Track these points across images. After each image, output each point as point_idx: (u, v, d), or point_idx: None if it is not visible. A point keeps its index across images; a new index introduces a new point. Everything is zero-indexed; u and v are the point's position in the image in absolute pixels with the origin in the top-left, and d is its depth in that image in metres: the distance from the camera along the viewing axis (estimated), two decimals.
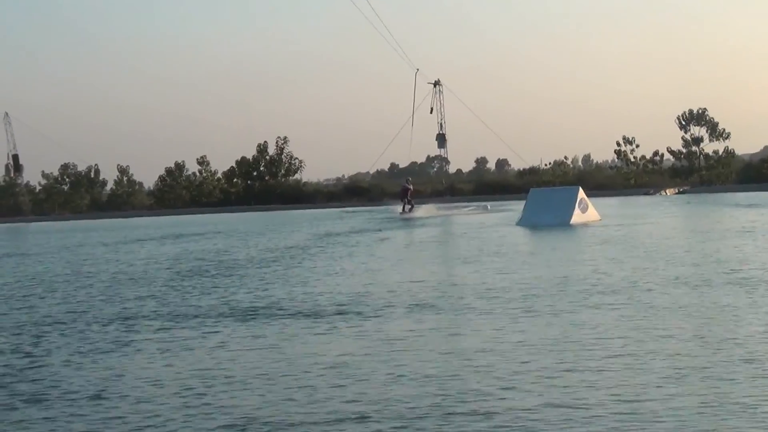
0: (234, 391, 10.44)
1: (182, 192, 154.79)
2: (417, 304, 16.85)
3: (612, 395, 9.44)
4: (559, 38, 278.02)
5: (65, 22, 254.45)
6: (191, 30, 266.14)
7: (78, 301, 19.97)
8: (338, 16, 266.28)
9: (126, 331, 15.31)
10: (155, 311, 17.66)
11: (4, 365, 12.48)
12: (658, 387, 9.70)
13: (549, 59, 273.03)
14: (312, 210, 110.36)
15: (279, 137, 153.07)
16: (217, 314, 16.79)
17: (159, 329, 15.28)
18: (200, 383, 10.89)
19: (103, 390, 10.71)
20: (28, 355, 13.27)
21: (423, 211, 70.96)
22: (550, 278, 20.26)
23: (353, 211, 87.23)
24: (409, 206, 70.21)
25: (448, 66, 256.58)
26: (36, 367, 12.33)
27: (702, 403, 9.00)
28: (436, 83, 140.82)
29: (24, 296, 21.80)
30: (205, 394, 10.30)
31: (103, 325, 16.04)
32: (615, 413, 8.75)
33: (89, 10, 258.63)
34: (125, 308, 18.32)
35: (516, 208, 57.12)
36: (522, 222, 47.12)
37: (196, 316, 16.60)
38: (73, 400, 10.31)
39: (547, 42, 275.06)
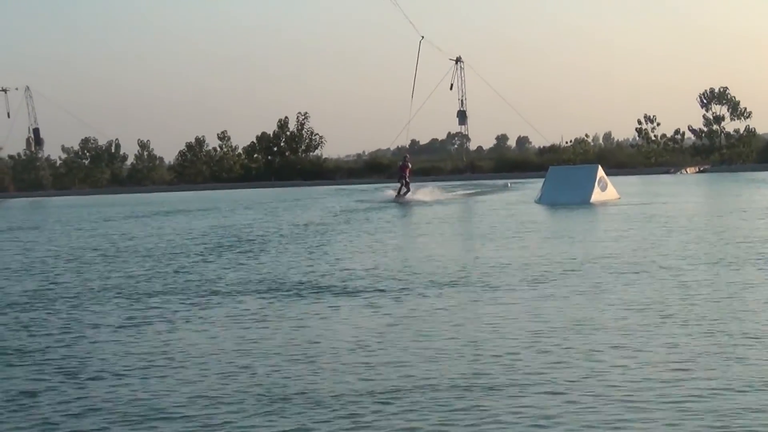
0: (272, 364, 10.64)
1: (202, 167, 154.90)
2: (443, 282, 17.01)
3: (640, 378, 9.61)
4: (580, 16, 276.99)
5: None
6: (213, 5, 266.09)
7: (114, 276, 20.18)
8: None
9: (166, 305, 15.53)
10: (192, 286, 17.86)
11: (55, 342, 12.62)
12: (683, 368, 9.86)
13: (570, 37, 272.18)
14: (328, 186, 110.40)
15: (300, 113, 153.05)
16: (250, 290, 16.98)
17: (196, 304, 15.47)
18: (238, 357, 11.12)
19: (149, 365, 10.89)
20: (73, 330, 13.37)
21: (422, 194, 57.93)
22: (575, 257, 20.39)
23: (348, 190, 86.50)
24: (405, 189, 57.22)
25: (469, 43, 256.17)
26: (84, 342, 12.48)
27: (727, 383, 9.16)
28: (457, 60, 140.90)
29: (64, 270, 21.98)
30: (248, 367, 10.53)
31: (145, 299, 16.28)
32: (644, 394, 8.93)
33: None
34: (165, 283, 18.52)
35: (536, 186, 57.15)
36: (542, 200, 47.08)
37: (230, 292, 16.79)
38: (119, 375, 10.48)
39: (569, 19, 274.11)
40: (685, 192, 56.03)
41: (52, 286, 18.72)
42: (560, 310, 13.47)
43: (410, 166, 58.40)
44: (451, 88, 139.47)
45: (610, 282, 16.19)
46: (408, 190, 57.19)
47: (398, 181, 58.83)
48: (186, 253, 25.21)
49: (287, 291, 16.63)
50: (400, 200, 55.48)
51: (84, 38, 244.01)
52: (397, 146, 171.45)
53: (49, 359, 11.41)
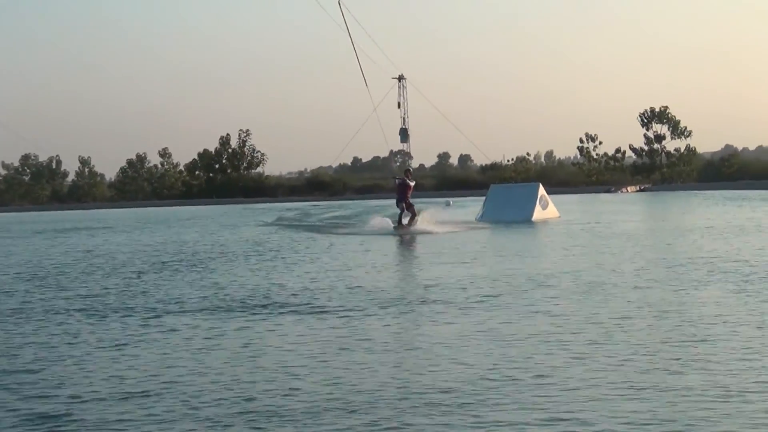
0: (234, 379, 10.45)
1: (144, 184, 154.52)
2: (389, 303, 16.80)
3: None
4: (522, 35, 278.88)
5: (27, 12, 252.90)
6: (155, 23, 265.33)
7: (79, 293, 19.81)
8: (303, 9, 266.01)
9: (125, 323, 15.23)
10: (151, 304, 17.54)
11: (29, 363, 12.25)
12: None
13: (512, 56, 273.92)
14: (272, 204, 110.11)
15: (241, 130, 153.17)
16: (207, 308, 16.69)
17: (152, 323, 15.17)
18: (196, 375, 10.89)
19: (147, 388, 10.57)
20: (43, 351, 13.02)
21: (426, 222, 41.98)
22: (517, 275, 20.30)
23: (260, 209, 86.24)
24: (411, 214, 41.42)
25: (411, 61, 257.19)
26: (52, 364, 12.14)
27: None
28: (400, 78, 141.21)
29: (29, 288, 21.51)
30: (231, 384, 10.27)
31: (108, 318, 15.94)
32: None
33: (51, 1, 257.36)
34: (126, 301, 18.16)
35: (477, 204, 57.05)
36: (483, 218, 46.94)
37: (190, 310, 16.50)
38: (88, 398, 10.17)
39: (511, 39, 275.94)
40: (623, 210, 56.36)
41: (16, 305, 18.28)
42: (503, 328, 13.35)
43: (413, 184, 41.90)
44: (399, 107, 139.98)
45: (552, 301, 16.12)
46: (414, 215, 41.49)
47: (397, 205, 42.00)
48: (141, 269, 25.03)
49: (249, 308, 16.42)
50: (404, 230, 40.35)
51: (23, 53, 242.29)
52: (339, 163, 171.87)
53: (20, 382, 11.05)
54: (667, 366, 10.65)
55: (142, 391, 10.19)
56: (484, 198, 51.83)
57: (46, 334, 14.47)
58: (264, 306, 16.75)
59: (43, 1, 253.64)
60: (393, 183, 45.75)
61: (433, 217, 43.25)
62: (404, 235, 38.44)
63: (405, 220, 41.25)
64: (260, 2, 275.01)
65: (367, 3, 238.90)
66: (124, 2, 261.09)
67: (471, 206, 64.40)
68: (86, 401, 9.88)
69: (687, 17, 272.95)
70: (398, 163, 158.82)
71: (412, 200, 41.72)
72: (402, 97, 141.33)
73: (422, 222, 41.58)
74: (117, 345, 13.20)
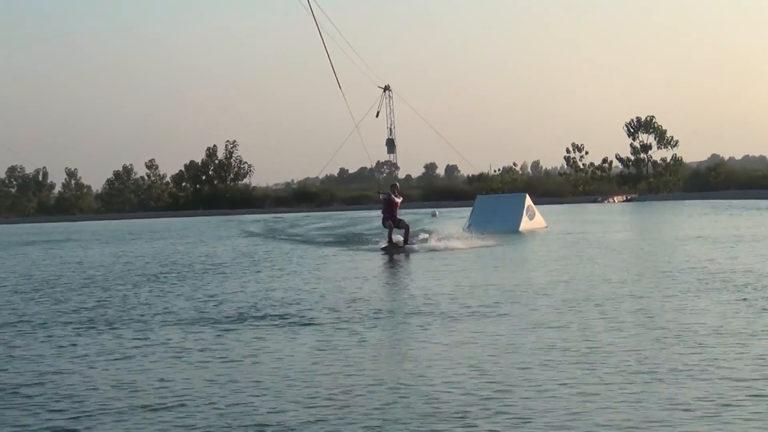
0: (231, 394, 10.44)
1: (130, 196, 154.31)
2: (387, 313, 16.83)
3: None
4: (508, 45, 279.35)
5: (12, 21, 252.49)
6: (141, 32, 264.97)
7: (73, 305, 19.88)
8: (290, 21, 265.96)
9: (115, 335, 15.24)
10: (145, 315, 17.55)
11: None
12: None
13: (499, 66, 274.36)
14: (258, 215, 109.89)
15: (228, 141, 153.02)
16: (201, 319, 16.73)
17: (149, 335, 15.18)
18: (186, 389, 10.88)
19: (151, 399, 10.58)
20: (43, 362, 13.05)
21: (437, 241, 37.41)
22: (506, 286, 20.31)
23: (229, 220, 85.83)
24: (404, 230, 36.88)
25: (398, 71, 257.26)
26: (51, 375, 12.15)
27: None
28: (386, 88, 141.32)
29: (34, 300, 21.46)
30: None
31: (102, 329, 15.94)
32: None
33: (38, 11, 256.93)
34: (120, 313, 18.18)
35: (464, 214, 56.80)
36: (470, 229, 46.71)
37: (185, 322, 16.52)
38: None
39: (497, 49, 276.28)
40: (610, 220, 56.43)
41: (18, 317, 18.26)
42: (494, 340, 13.36)
43: (399, 200, 37.12)
44: (377, 116, 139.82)
45: (545, 313, 16.12)
46: (408, 229, 36.98)
47: (383, 224, 37.42)
48: (138, 282, 24.99)
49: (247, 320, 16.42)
50: (394, 249, 35.59)
51: (9, 65, 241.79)
52: (326, 174, 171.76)
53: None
54: (662, 377, 10.68)
55: (143, 405, 10.25)
56: (471, 209, 51.68)
57: (45, 347, 14.52)
58: (257, 318, 16.80)
59: (32, 11, 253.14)
60: (378, 198, 39.68)
61: (444, 232, 39.88)
62: (397, 254, 34.07)
63: (396, 239, 36.68)
64: (248, 14, 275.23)
65: (356, 13, 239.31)
66: (111, 16, 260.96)
67: (457, 217, 64.27)
68: (89, 414, 9.96)
69: (672, 28, 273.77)
70: (384, 174, 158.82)
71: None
72: (388, 108, 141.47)
73: (434, 239, 38.00)
74: (115, 358, 13.24)
